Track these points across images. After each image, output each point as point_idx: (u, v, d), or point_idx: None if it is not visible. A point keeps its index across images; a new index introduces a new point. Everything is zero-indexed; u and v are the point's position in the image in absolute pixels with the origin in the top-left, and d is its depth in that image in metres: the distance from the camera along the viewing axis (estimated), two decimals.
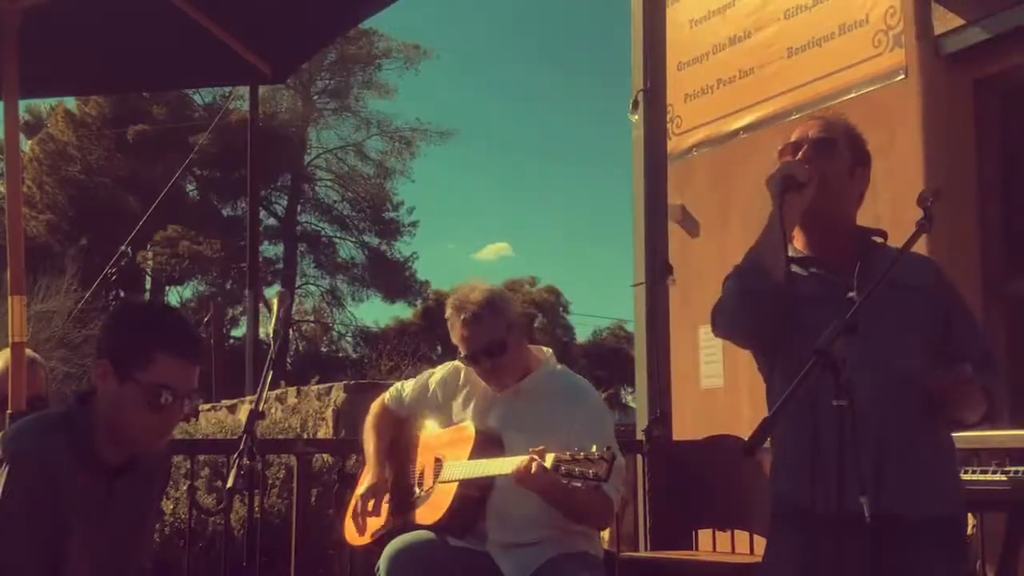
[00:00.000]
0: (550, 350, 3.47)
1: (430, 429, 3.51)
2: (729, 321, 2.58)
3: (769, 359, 2.63)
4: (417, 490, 3.42)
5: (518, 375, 3.33)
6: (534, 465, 2.91)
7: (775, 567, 2.60)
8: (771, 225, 2.48)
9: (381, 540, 3.32)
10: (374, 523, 3.43)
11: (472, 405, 3.40)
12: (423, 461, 3.44)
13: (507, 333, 3.27)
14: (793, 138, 2.67)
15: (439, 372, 3.55)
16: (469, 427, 3.32)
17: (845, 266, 2.54)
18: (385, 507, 3.40)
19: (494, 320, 3.26)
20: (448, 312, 3.36)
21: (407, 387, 3.61)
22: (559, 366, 3.42)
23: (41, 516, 2.31)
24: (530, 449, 2.96)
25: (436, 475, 3.34)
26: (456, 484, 3.23)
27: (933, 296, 2.58)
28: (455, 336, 3.33)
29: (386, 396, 3.65)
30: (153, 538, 2.78)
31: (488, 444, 3.25)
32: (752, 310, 2.50)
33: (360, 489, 3.44)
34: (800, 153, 2.59)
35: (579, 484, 2.81)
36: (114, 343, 2.43)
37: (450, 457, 3.31)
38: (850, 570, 2.19)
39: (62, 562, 2.35)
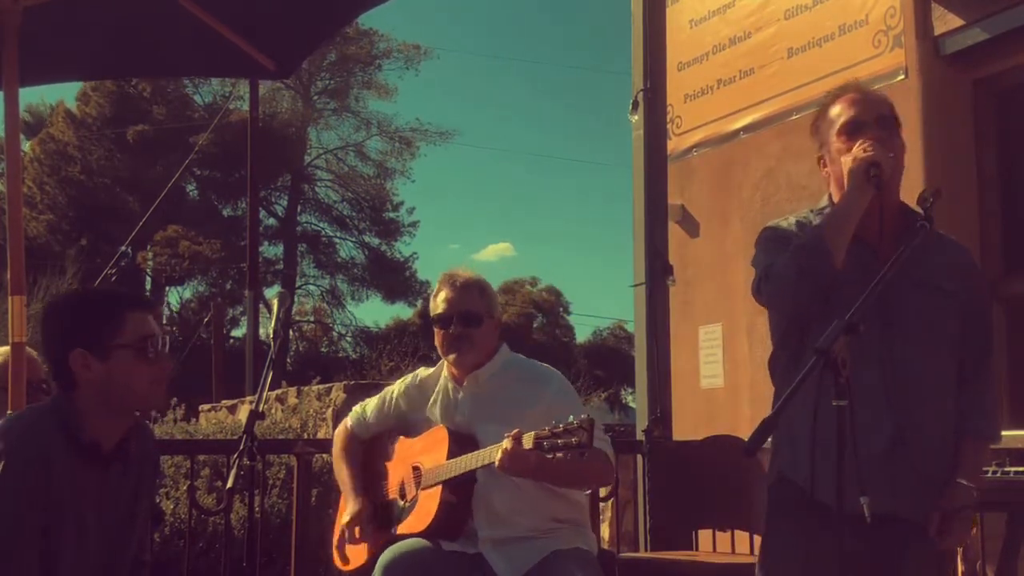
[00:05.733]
0: (503, 343, 3.47)
1: (401, 442, 3.50)
2: (778, 292, 2.51)
3: (798, 336, 2.57)
4: (401, 502, 3.39)
5: (477, 361, 3.34)
6: (514, 445, 2.93)
7: (781, 556, 2.58)
8: (846, 209, 2.45)
9: (373, 560, 3.28)
10: (360, 551, 3.41)
11: (438, 408, 3.42)
12: (401, 473, 3.42)
13: (486, 313, 3.35)
14: (846, 116, 2.56)
15: (398, 386, 3.57)
16: (440, 429, 3.32)
17: (887, 248, 2.48)
18: (371, 531, 3.38)
19: (481, 295, 3.37)
20: (436, 286, 3.43)
21: (369, 406, 3.61)
22: (513, 353, 3.44)
23: (36, 505, 2.32)
24: (505, 434, 2.97)
25: (418, 483, 3.32)
26: (439, 487, 3.22)
27: (963, 300, 2.56)
28: (436, 302, 3.38)
29: (348, 421, 3.65)
30: (148, 529, 2.79)
31: (462, 441, 3.25)
32: (804, 288, 2.45)
33: (344, 518, 3.41)
34: (870, 135, 2.50)
35: (564, 456, 2.83)
36: (80, 330, 2.46)
37: (428, 463, 3.30)
38: (849, 567, 2.20)
39: (58, 550, 2.36)
